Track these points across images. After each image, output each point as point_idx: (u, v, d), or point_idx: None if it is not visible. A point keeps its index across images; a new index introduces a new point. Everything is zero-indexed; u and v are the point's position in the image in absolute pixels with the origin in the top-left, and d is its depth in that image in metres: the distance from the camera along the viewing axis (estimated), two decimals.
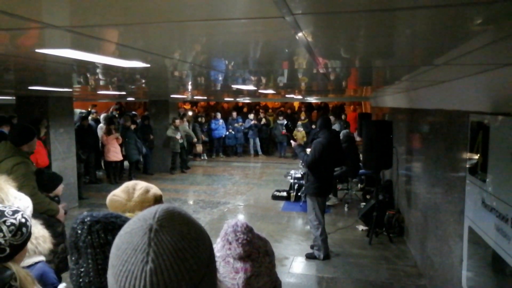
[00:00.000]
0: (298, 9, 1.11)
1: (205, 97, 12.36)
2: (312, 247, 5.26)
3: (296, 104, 17.84)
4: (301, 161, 5.15)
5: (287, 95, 10.40)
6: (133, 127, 10.15)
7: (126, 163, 10.19)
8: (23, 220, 1.60)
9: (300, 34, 1.50)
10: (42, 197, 3.36)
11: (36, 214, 3.23)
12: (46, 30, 1.53)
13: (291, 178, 8.00)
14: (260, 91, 7.29)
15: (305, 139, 11.37)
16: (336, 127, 10.45)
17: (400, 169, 6.29)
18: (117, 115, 11.95)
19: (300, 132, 11.77)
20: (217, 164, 12.86)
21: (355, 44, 1.87)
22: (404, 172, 5.98)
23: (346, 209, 7.33)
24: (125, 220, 1.18)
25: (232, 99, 13.60)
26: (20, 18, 1.30)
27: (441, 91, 3.73)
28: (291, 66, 3.07)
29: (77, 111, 10.28)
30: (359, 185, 8.50)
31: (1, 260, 1.53)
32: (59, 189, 3.60)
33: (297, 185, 7.88)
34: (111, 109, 12.47)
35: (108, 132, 9.14)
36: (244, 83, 5.19)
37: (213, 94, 10.00)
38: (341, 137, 7.78)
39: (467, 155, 2.93)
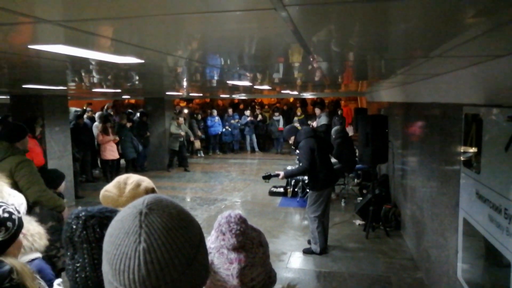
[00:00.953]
0: (290, 0, 1.11)
1: (201, 94, 12.33)
2: (309, 242, 5.29)
3: (291, 99, 17.82)
4: (301, 171, 5.13)
5: (282, 91, 10.39)
6: (129, 125, 10.13)
7: (122, 161, 10.17)
8: (6, 215, 1.56)
9: (292, 27, 1.50)
10: (51, 193, 3.39)
11: (47, 210, 3.24)
12: (38, 25, 1.53)
13: None
14: (255, 87, 7.28)
15: None
16: (322, 119, 10.49)
17: (396, 163, 6.32)
18: (112, 114, 11.89)
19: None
20: (214, 161, 12.86)
21: (349, 37, 1.87)
22: (400, 166, 6.01)
23: (343, 204, 7.36)
24: None
25: (227, 95, 13.58)
26: (10, 12, 1.29)
27: (435, 84, 3.74)
28: (286, 61, 3.06)
29: (72, 109, 10.24)
30: (355, 180, 8.53)
31: None
32: (62, 187, 3.63)
33: (293, 181, 7.90)
34: (105, 107, 12.39)
35: (104, 131, 9.10)
36: (239, 79, 5.19)
37: (208, 91, 9.98)
38: (333, 134, 7.82)
39: (461, 147, 2.95)
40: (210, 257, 1.94)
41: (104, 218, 1.18)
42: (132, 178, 1.71)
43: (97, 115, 10.61)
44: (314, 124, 10.69)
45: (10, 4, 1.21)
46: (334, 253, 5.15)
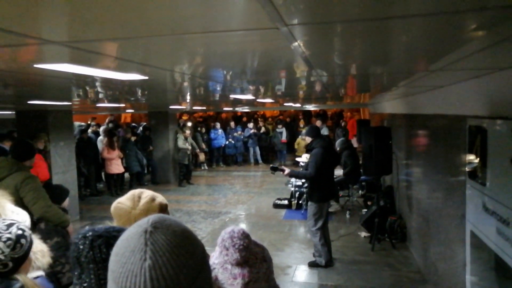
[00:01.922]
0: (292, 20, 1.13)
1: (204, 107, 12.39)
2: (314, 254, 5.24)
3: (293, 111, 17.87)
4: (306, 176, 5.13)
5: (285, 104, 10.43)
6: (133, 138, 10.17)
7: (126, 175, 10.18)
8: (20, 232, 1.58)
9: (295, 44, 1.51)
10: (56, 208, 3.39)
11: (52, 226, 3.25)
12: (44, 46, 1.55)
13: (292, 186, 7.98)
14: (258, 100, 7.31)
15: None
16: (323, 131, 10.45)
17: (401, 174, 6.29)
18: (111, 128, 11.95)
19: (304, 140, 11.77)
20: (218, 173, 12.84)
21: (350, 53, 1.89)
22: (405, 177, 5.98)
23: (347, 216, 7.30)
24: None
25: (230, 108, 13.64)
26: (16, 35, 1.31)
27: (439, 96, 3.74)
28: (289, 76, 3.08)
29: (77, 124, 10.30)
30: (360, 191, 8.48)
31: (7, 274, 1.53)
32: (66, 202, 3.62)
33: (298, 193, 7.86)
34: (106, 121, 12.44)
35: (110, 145, 9.12)
36: (242, 92, 5.22)
37: (212, 104, 10.03)
38: (337, 147, 7.81)
39: (466, 159, 2.93)
40: (214, 273, 1.94)
41: (111, 238, 1.17)
42: (146, 193, 1.72)
43: (101, 129, 10.67)
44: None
45: (16, 26, 1.23)
46: (340, 266, 5.09)
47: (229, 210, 8.07)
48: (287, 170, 5.06)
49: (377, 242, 5.68)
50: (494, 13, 1.13)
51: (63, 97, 5.15)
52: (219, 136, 13.46)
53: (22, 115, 7.18)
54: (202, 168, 13.57)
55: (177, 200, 9.14)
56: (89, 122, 12.33)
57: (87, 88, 3.99)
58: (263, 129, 14.14)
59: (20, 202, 3.19)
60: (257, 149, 14.06)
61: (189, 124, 12.56)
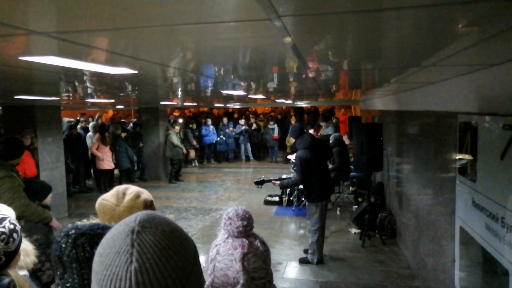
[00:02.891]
0: (284, 11, 1.11)
1: (195, 104, 12.32)
2: (305, 251, 5.25)
3: (284, 108, 17.88)
4: (295, 183, 5.13)
5: (277, 100, 10.41)
6: (123, 135, 10.08)
7: (116, 171, 10.09)
8: (12, 226, 1.59)
9: (287, 37, 1.49)
10: (35, 206, 3.35)
11: (33, 223, 3.20)
12: (29, 36, 1.51)
13: None
14: (250, 96, 7.29)
15: None
16: (329, 130, 10.35)
17: (391, 171, 6.33)
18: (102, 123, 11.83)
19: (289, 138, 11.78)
20: (209, 170, 12.80)
21: (342, 46, 1.87)
22: (395, 174, 6.02)
23: (338, 212, 7.34)
24: None
25: (222, 105, 13.59)
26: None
27: (430, 93, 3.76)
28: (280, 70, 3.07)
29: (65, 120, 10.16)
30: (350, 188, 8.52)
31: None
32: (48, 199, 3.58)
33: (289, 189, 7.87)
34: (96, 117, 12.28)
35: (102, 141, 9.02)
36: (234, 88, 5.19)
37: (203, 100, 9.98)
38: (331, 141, 7.82)
39: (456, 155, 2.95)
40: (216, 249, 1.96)
41: (95, 236, 1.13)
42: (131, 189, 1.68)
43: (91, 125, 10.54)
44: (311, 131, 10.64)
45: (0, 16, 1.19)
46: (331, 262, 5.11)
47: (220, 206, 8.05)
48: (277, 182, 5.06)
49: (368, 239, 5.72)
50: (485, 7, 1.13)
51: (51, 92, 5.05)
52: (210, 133, 13.41)
53: (9, 110, 7.06)
54: (193, 164, 13.52)
55: (167, 197, 9.09)
56: (78, 118, 12.17)
57: (76, 83, 3.93)
58: (254, 126, 14.12)
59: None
60: (248, 145, 14.04)
61: (181, 120, 12.49)
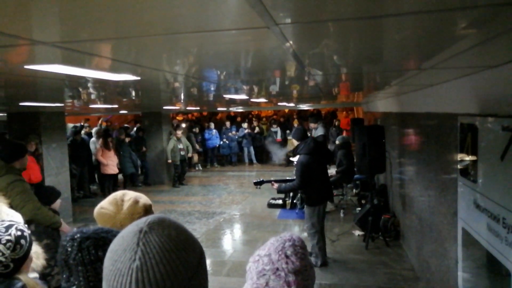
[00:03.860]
0: (282, 19, 1.13)
1: (198, 108, 12.36)
2: (309, 254, 5.24)
3: (286, 111, 17.89)
4: (293, 188, 5.13)
5: (279, 103, 10.43)
6: (127, 140, 10.13)
7: (120, 176, 10.13)
8: (19, 233, 1.60)
9: (286, 44, 1.52)
10: (46, 210, 3.37)
11: (43, 227, 3.22)
12: (35, 46, 1.54)
13: None
14: (252, 100, 7.32)
15: None
16: (319, 131, 10.27)
17: (394, 173, 6.32)
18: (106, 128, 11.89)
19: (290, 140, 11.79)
20: (212, 174, 12.82)
21: (341, 51, 1.90)
22: (398, 176, 6.01)
23: (341, 214, 7.33)
24: (116, 234, 1.17)
25: (225, 108, 13.62)
26: (5, 35, 1.30)
27: (431, 95, 3.77)
28: (281, 75, 3.09)
29: (70, 125, 10.23)
30: (354, 190, 8.51)
31: (8, 274, 1.54)
32: (57, 204, 3.60)
33: (292, 192, 7.88)
34: (99, 122, 12.36)
35: (106, 146, 9.07)
36: (236, 92, 5.22)
37: (206, 104, 10.01)
38: (337, 141, 7.83)
39: (457, 157, 2.96)
40: (264, 279, 1.89)
41: (99, 239, 1.16)
42: (129, 195, 1.68)
43: (94, 130, 10.60)
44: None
45: (6, 27, 1.22)
46: (334, 265, 5.11)
47: (223, 210, 8.06)
48: (276, 185, 5.05)
49: (371, 241, 5.71)
50: (484, 11, 1.14)
51: (55, 99, 5.11)
52: (213, 137, 13.44)
53: (14, 117, 7.11)
54: (197, 168, 13.54)
55: (171, 201, 9.11)
56: (82, 124, 12.24)
57: (80, 89, 3.97)
58: (257, 129, 14.14)
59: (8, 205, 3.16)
60: (252, 149, 14.06)
61: (184, 125, 12.52)
